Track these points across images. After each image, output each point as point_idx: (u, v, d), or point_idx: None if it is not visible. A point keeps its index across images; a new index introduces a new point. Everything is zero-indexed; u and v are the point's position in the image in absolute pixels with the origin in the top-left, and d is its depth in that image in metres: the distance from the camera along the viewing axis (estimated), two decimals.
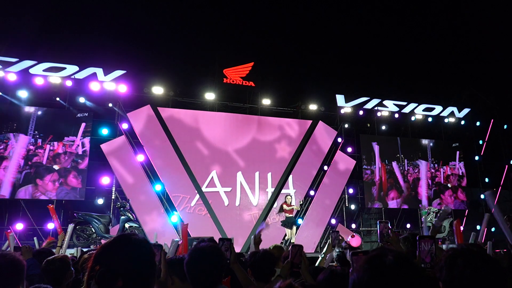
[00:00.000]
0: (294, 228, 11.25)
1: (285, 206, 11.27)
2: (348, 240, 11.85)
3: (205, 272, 2.13)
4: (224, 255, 2.38)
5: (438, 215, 11.93)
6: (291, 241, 10.93)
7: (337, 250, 3.87)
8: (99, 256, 1.43)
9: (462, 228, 12.77)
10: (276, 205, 12.34)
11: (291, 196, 11.68)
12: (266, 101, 13.16)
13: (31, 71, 10.98)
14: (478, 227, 14.03)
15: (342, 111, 13.90)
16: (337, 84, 14.59)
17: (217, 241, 2.79)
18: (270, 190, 12.40)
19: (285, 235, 12.18)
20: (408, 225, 13.68)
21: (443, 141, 15.13)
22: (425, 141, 14.85)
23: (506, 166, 15.76)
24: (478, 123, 15.55)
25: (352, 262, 1.85)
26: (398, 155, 14.29)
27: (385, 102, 14.34)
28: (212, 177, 11.94)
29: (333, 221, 12.67)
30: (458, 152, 14.99)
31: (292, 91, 14.04)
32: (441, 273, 1.51)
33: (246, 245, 11.23)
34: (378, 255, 1.27)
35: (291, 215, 11.22)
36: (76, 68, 11.36)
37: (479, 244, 4.37)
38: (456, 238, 5.63)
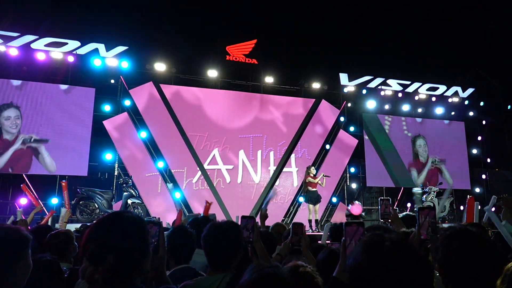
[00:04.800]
0: (318, 205, 10.65)
1: (310, 179, 10.59)
2: (349, 208, 11.90)
3: (221, 248, 2.14)
4: (241, 234, 2.36)
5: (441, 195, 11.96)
6: (316, 218, 10.55)
7: (332, 223, 3.89)
8: (91, 233, 1.44)
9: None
10: (278, 183, 12.40)
11: (315, 168, 11.29)
12: (269, 79, 13.05)
13: (33, 46, 10.90)
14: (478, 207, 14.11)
15: (345, 90, 13.79)
16: (341, 63, 14.44)
17: (239, 219, 2.75)
18: (272, 168, 12.44)
19: (288, 212, 12.27)
20: (409, 204, 13.77)
21: (445, 120, 15.07)
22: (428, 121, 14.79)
23: (509, 146, 15.72)
24: (482, 103, 15.43)
25: (345, 232, 1.82)
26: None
27: (389, 81, 14.22)
28: (214, 154, 11.98)
29: (334, 200, 12.75)
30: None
31: (295, 69, 13.91)
32: (437, 254, 1.52)
33: None
34: (375, 241, 1.25)
35: (315, 189, 10.61)
36: (78, 43, 11.25)
37: (480, 224, 4.37)
38: (466, 217, 5.60)
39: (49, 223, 6.52)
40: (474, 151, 15.19)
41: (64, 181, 7.67)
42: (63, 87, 11.15)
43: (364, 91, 13.94)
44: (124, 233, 1.43)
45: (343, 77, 13.83)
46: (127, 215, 1.49)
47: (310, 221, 10.52)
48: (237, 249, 2.19)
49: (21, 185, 8.03)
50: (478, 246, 1.44)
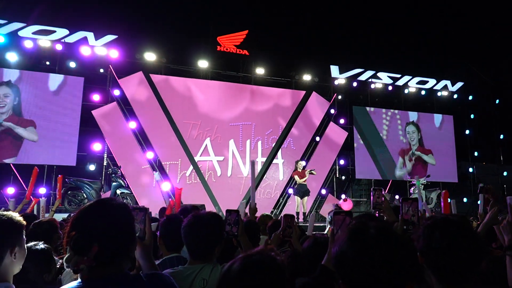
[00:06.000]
0: (306, 198, 10.87)
1: (296, 177, 10.84)
2: (340, 203, 12.06)
3: (200, 239, 2.12)
4: (223, 226, 2.35)
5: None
6: (303, 211, 10.70)
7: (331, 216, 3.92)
8: (75, 221, 1.42)
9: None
10: (267, 175, 12.43)
11: (303, 162, 11.35)
12: (260, 71, 13.02)
13: (20, 33, 10.71)
14: (465, 200, 14.34)
15: (336, 82, 13.82)
16: (332, 55, 14.42)
17: (224, 212, 2.76)
18: (260, 159, 12.44)
19: (277, 204, 12.33)
20: (397, 196, 13.89)
21: (434, 114, 15.18)
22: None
23: (496, 140, 15.93)
24: (470, 97, 15.59)
25: (334, 221, 1.86)
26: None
27: (379, 74, 14.28)
28: (206, 145, 11.94)
29: (323, 192, 12.83)
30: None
31: (286, 61, 13.85)
32: (419, 243, 1.54)
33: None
34: (360, 228, 1.27)
35: (304, 183, 10.85)
36: (66, 31, 11.10)
37: (463, 215, 4.47)
38: (442, 209, 5.75)
39: (35, 212, 6.45)
40: (462, 144, 15.37)
41: (60, 175, 7.55)
42: (51, 75, 11.00)
43: (354, 84, 13.98)
44: (109, 221, 1.42)
45: (334, 70, 13.86)
46: (111, 202, 1.48)
47: (297, 213, 10.61)
48: (216, 241, 2.17)
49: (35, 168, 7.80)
50: (459, 235, 1.46)
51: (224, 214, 2.58)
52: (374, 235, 1.22)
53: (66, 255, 1.37)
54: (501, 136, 16.02)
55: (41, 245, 2.28)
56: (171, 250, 2.59)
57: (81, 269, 1.35)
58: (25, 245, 1.72)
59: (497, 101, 16.21)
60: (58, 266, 2.40)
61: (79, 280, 1.39)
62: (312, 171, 11.01)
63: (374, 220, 1.34)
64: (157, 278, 1.51)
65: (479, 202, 3.97)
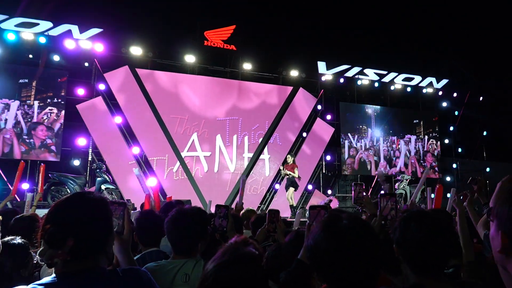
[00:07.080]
0: (291, 189, 11.05)
1: (282, 171, 11.15)
2: (326, 202, 12.17)
3: (184, 234, 2.11)
4: (207, 220, 2.33)
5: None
6: (291, 204, 10.96)
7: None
8: (51, 214, 1.39)
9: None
10: (254, 171, 12.44)
11: (291, 156, 11.51)
12: (247, 66, 12.98)
13: (2, 26, 10.50)
14: (448, 195, 14.50)
15: (323, 78, 13.87)
16: (319, 51, 14.45)
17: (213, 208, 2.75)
18: (247, 155, 12.44)
19: (264, 199, 12.38)
20: (382, 192, 14.03)
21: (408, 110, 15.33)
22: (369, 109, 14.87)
23: (480, 137, 16.17)
24: (454, 94, 15.78)
25: (309, 215, 1.88)
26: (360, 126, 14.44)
27: (366, 71, 14.36)
28: (193, 140, 11.89)
29: (310, 187, 12.89)
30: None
31: (274, 56, 13.83)
32: (395, 234, 1.57)
33: None
34: (332, 220, 1.28)
35: (290, 176, 11.15)
36: (50, 24, 10.89)
37: (443, 210, 4.52)
38: (434, 203, 5.76)
39: (10, 206, 6.34)
40: (446, 141, 15.58)
41: (42, 164, 7.39)
42: (34, 69, 10.82)
43: (341, 80, 14.04)
44: (86, 214, 1.40)
45: (321, 66, 13.90)
46: (88, 195, 1.46)
47: (292, 206, 10.93)
48: (200, 236, 2.15)
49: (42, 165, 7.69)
50: (434, 228, 1.49)
51: (210, 209, 2.58)
52: (347, 226, 1.24)
53: (40, 249, 1.35)
54: (484, 133, 16.27)
55: (18, 240, 2.25)
56: (148, 245, 2.58)
57: (55, 263, 1.33)
58: (0, 240, 1.69)
59: (481, 98, 16.42)
60: (35, 261, 2.37)
61: (54, 275, 1.37)
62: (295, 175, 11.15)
63: (346, 212, 1.35)
64: (133, 273, 1.50)
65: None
